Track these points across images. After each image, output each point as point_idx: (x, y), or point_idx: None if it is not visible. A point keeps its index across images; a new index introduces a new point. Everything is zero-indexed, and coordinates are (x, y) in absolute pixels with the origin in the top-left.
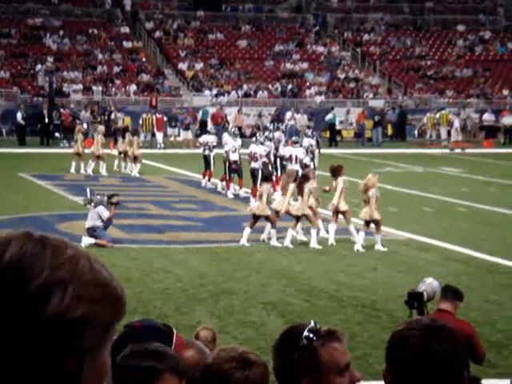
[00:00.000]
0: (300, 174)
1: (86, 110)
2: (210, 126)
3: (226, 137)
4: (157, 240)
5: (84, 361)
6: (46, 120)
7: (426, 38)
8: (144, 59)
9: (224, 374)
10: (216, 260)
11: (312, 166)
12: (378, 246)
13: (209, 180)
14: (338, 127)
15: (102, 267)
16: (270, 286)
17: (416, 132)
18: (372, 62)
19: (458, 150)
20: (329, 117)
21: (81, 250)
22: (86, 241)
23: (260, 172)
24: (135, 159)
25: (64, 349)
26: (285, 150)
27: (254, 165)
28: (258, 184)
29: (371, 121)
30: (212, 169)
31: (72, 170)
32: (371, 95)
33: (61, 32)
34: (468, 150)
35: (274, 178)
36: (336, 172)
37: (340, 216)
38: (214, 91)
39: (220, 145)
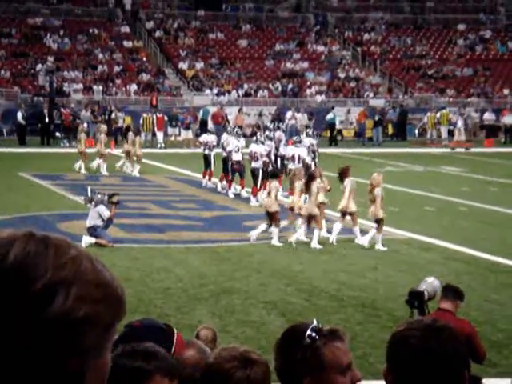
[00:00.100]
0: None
1: (87, 109)
2: (210, 125)
3: (225, 136)
4: (157, 239)
5: (86, 361)
6: (47, 120)
7: (426, 37)
8: (144, 59)
9: (225, 374)
10: (217, 259)
11: (313, 166)
12: (379, 246)
13: (209, 179)
14: (338, 127)
15: (103, 267)
16: (270, 285)
17: (416, 131)
18: (372, 62)
19: (461, 150)
20: (329, 116)
21: (82, 249)
22: (87, 240)
23: (260, 171)
24: (137, 159)
25: (67, 349)
26: (287, 150)
27: (254, 164)
28: (260, 181)
29: (372, 120)
30: (212, 168)
31: (82, 171)
32: (372, 94)
33: (61, 32)
34: (469, 150)
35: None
36: (344, 173)
37: (347, 217)
38: (215, 91)
39: (218, 145)
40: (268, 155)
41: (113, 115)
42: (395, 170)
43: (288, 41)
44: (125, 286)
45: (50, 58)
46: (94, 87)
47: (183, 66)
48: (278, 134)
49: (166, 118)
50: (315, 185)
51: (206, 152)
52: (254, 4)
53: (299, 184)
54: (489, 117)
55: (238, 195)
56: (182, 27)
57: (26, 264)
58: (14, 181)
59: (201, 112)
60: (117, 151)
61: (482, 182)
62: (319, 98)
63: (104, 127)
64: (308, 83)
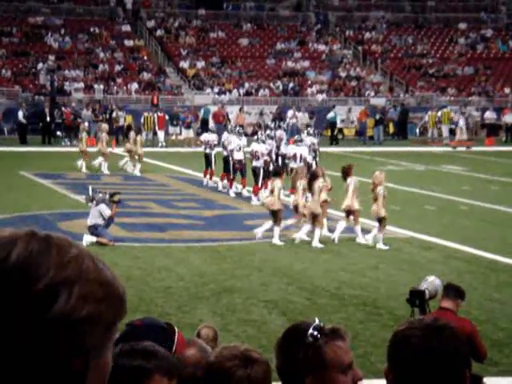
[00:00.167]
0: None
1: (88, 108)
2: (211, 124)
3: (225, 135)
4: (158, 238)
5: (88, 361)
6: (48, 119)
7: (427, 36)
8: (145, 57)
9: (226, 372)
10: (218, 258)
11: (314, 165)
12: (380, 245)
13: (210, 178)
14: (339, 125)
15: (105, 266)
16: (271, 284)
17: (417, 130)
18: (373, 60)
19: (462, 149)
20: (330, 115)
21: (84, 248)
22: (88, 239)
23: (261, 170)
24: (138, 158)
25: (69, 349)
26: (288, 149)
27: (255, 163)
28: (261, 180)
29: (373, 119)
30: (213, 167)
31: (84, 170)
32: (373, 93)
33: (62, 30)
34: (470, 149)
35: None
36: (347, 172)
37: (351, 217)
38: (216, 89)
39: (219, 144)
40: (269, 154)
41: (114, 114)
42: (396, 168)
43: (289, 40)
44: (126, 284)
45: (51, 57)
46: (95, 86)
47: (184, 64)
48: (279, 132)
49: (167, 117)
50: (318, 184)
51: (207, 151)
52: (255, 3)
53: (302, 183)
54: (490, 116)
55: (239, 194)
56: (182, 26)
57: (28, 263)
58: (14, 180)
59: (202, 111)
60: (118, 150)
61: (482, 180)
62: (320, 97)
63: (106, 126)
64: (309, 82)
